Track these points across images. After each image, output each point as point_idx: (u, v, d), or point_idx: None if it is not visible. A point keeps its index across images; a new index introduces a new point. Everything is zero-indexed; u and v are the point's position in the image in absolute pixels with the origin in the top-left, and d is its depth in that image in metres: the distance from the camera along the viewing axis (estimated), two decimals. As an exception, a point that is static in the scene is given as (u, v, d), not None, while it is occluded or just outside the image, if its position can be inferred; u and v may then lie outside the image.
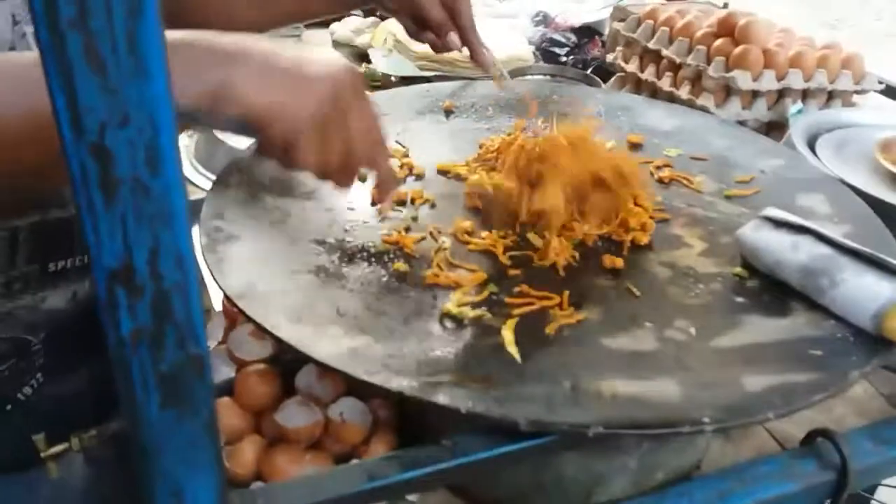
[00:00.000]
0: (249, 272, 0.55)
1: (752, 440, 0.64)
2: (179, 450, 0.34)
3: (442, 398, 0.43)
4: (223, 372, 0.63)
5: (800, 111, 0.89)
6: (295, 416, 0.57)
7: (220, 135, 0.93)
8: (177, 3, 0.65)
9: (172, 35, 0.44)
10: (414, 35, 0.78)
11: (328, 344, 0.48)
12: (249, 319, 0.50)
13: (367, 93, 0.51)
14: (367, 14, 1.45)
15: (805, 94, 0.94)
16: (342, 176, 0.53)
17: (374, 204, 0.68)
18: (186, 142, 0.99)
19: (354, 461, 0.54)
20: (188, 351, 0.32)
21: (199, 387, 0.33)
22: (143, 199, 0.28)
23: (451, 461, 0.42)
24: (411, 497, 0.56)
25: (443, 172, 0.74)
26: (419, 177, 0.74)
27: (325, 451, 0.58)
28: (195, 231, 0.61)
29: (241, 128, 0.47)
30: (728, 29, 0.92)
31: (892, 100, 1.00)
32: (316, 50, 0.49)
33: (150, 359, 0.31)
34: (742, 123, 0.93)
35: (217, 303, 0.73)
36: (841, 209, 0.67)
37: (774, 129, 0.94)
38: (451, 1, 0.74)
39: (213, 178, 0.86)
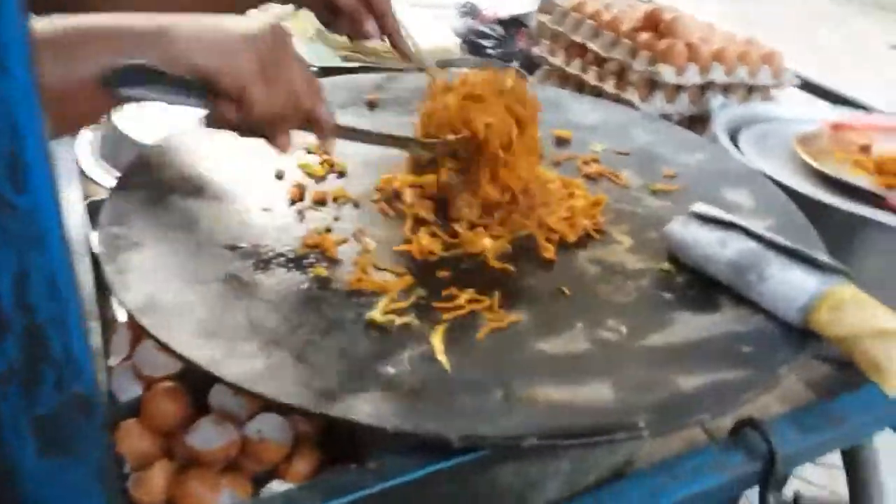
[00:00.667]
0: (152, 283, 0.50)
1: (682, 432, 0.64)
2: (67, 503, 0.30)
3: (367, 418, 0.40)
4: (130, 390, 0.59)
5: (722, 105, 0.90)
6: (208, 437, 0.53)
7: (126, 129, 0.87)
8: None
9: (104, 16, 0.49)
10: (329, 25, 0.74)
11: (240, 362, 0.44)
12: (152, 337, 0.46)
13: (294, 45, 0.55)
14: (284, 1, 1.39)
15: (726, 89, 0.95)
16: (288, 125, 0.56)
17: (292, 203, 0.64)
18: (90, 136, 0.92)
19: (273, 488, 0.50)
20: (70, 391, 0.28)
21: (87, 429, 0.29)
22: (7, 218, 0.24)
23: (378, 485, 0.39)
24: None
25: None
26: (341, 174, 0.70)
27: (242, 472, 0.54)
28: (93, 237, 0.56)
29: (189, 89, 0.50)
30: (653, 23, 0.92)
31: (809, 94, 1.02)
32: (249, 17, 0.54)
33: (23, 403, 0.27)
34: (666, 117, 0.93)
35: (123, 313, 0.68)
36: (764, 203, 0.67)
37: (697, 122, 0.95)
38: None
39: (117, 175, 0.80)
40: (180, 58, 0.49)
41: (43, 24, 0.47)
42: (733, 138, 0.81)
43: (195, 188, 0.63)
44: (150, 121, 0.87)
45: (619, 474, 0.57)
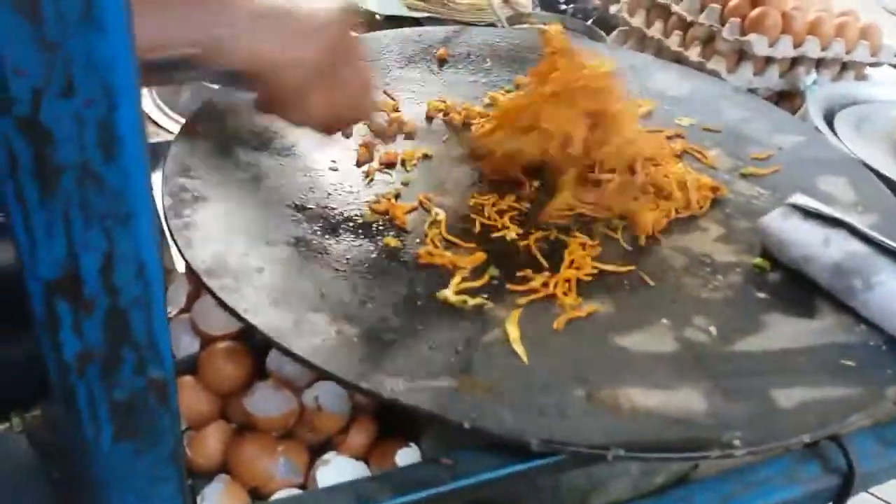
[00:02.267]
0: (219, 242, 0.48)
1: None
2: (137, 487, 0.28)
3: (443, 410, 0.38)
4: (186, 345, 0.57)
5: (815, 82, 0.84)
6: (266, 403, 0.51)
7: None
8: None
9: None
10: None
11: (309, 336, 0.42)
12: (218, 300, 0.43)
13: (360, 42, 0.52)
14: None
15: (818, 64, 0.89)
16: (339, 126, 0.54)
17: (359, 164, 0.61)
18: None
19: (328, 459, 0.48)
20: (149, 375, 0.25)
21: (163, 415, 0.27)
22: (95, 192, 0.21)
23: (451, 483, 0.37)
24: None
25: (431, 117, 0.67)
26: (409, 135, 0.67)
27: (298, 440, 0.52)
28: (156, 185, 0.54)
29: (238, 80, 0.46)
30: (745, -13, 0.85)
31: (908, 74, 0.95)
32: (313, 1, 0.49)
33: (102, 387, 0.25)
34: (752, 91, 0.87)
35: (181, 263, 0.66)
36: (866, 197, 0.62)
37: (785, 99, 0.88)
38: None
39: (179, 119, 0.77)
40: (235, 48, 0.44)
41: None
42: (828, 120, 0.76)
43: (262, 141, 0.60)
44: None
45: (685, 478, 0.54)
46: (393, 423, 0.53)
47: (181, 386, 0.54)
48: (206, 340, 0.55)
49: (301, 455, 0.52)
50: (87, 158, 0.21)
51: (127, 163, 0.22)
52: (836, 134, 0.72)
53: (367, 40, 0.81)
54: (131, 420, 0.26)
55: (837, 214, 0.51)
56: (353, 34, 0.50)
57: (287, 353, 0.41)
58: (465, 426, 0.37)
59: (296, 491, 0.45)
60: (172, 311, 0.60)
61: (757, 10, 0.83)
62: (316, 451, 0.52)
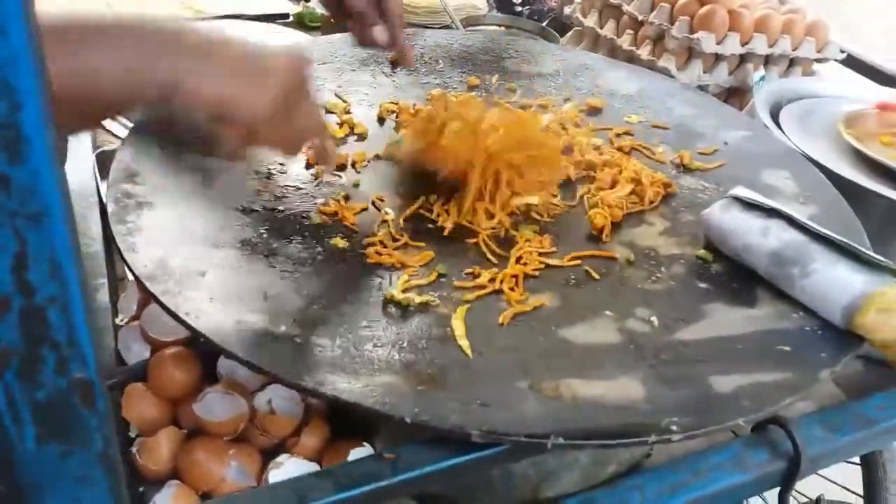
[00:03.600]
0: (163, 247, 0.48)
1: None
2: (66, 490, 0.28)
3: (383, 406, 0.38)
4: (136, 352, 0.57)
5: (762, 79, 0.86)
6: (216, 408, 0.51)
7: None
8: None
9: (117, 17, 0.47)
10: (336, 19, 0.69)
11: (248, 336, 0.42)
12: (161, 306, 0.43)
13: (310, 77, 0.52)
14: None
15: (767, 61, 0.91)
16: (294, 151, 0.55)
17: (309, 166, 0.61)
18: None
19: (281, 462, 0.48)
20: (72, 376, 0.25)
21: (89, 416, 0.27)
22: (2, 192, 0.21)
23: (393, 477, 0.37)
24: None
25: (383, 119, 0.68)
26: (361, 136, 0.67)
27: (250, 444, 0.52)
28: (104, 189, 0.53)
29: (197, 118, 0.47)
30: (693, -14, 0.87)
31: (853, 70, 0.97)
32: (270, 39, 0.49)
33: (22, 387, 0.25)
34: (702, 88, 0.89)
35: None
36: (807, 188, 0.63)
37: (734, 95, 0.90)
38: None
39: (129, 125, 0.77)
40: (196, 90, 0.44)
41: (60, 17, 0.43)
42: (773, 115, 0.77)
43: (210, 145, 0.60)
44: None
45: (637, 467, 0.55)
46: (346, 423, 0.53)
47: (131, 393, 0.53)
48: (156, 347, 0.55)
49: (253, 458, 0.52)
50: (-10, 159, 0.21)
51: (35, 162, 0.22)
52: (781, 128, 0.73)
53: (321, 44, 0.82)
54: (55, 421, 0.26)
55: (775, 205, 0.53)
56: (309, 70, 0.50)
57: (228, 355, 0.41)
58: (406, 421, 0.38)
59: (244, 492, 0.45)
60: (124, 318, 0.60)
61: (705, 8, 0.85)
62: (269, 455, 0.52)
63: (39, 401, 0.25)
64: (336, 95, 0.71)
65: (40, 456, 0.27)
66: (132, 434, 0.53)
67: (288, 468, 0.49)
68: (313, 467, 0.49)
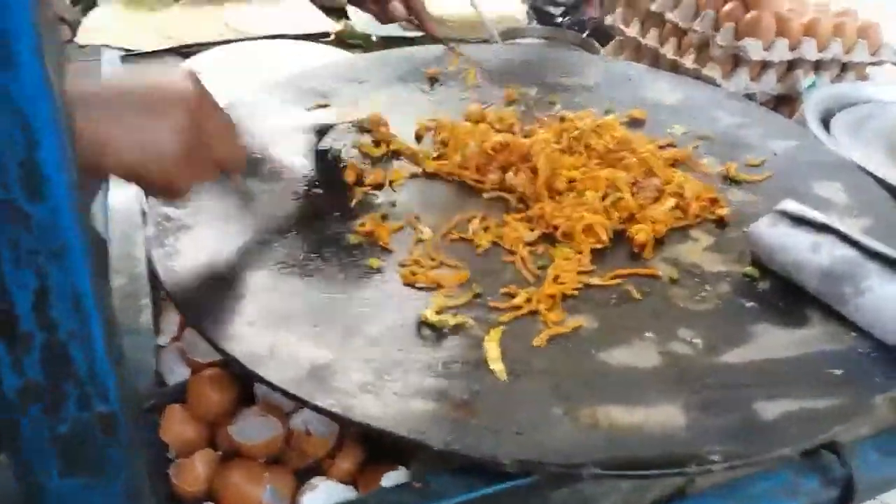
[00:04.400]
0: (200, 270, 0.48)
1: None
2: (90, 522, 0.28)
3: (414, 433, 0.38)
4: (178, 373, 0.57)
5: (813, 84, 0.83)
6: (252, 430, 0.51)
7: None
8: None
9: None
10: (354, 4, 0.68)
11: (283, 362, 0.42)
12: (195, 328, 0.44)
13: (207, 91, 0.48)
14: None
15: (817, 66, 0.87)
16: (213, 178, 0.50)
17: (347, 187, 0.61)
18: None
19: (315, 484, 0.48)
20: (94, 410, 0.26)
21: (112, 450, 0.27)
22: (21, 229, 0.22)
23: (426, 505, 0.37)
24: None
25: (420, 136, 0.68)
26: (397, 153, 0.67)
27: (286, 466, 0.52)
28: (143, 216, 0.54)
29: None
30: (738, -9, 0.85)
31: (911, 73, 0.93)
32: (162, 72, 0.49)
33: (45, 421, 0.25)
34: (750, 97, 0.86)
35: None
36: (860, 200, 0.61)
37: (784, 103, 0.87)
38: None
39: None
40: (97, 160, 0.42)
41: None
42: (825, 123, 0.74)
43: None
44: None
45: (682, 491, 0.53)
46: (382, 446, 0.53)
47: (169, 415, 0.54)
48: (195, 368, 0.56)
49: (288, 481, 0.51)
50: (11, 196, 0.21)
51: (55, 199, 0.22)
52: (832, 136, 0.70)
53: (359, 62, 0.82)
54: (78, 455, 0.26)
55: (826, 220, 0.50)
56: (203, 91, 0.47)
57: (259, 379, 0.41)
58: (435, 449, 0.37)
59: (280, 517, 0.45)
60: (165, 339, 0.61)
61: (751, 14, 0.83)
62: (304, 477, 0.51)
63: (62, 435, 0.26)
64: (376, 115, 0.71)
65: (65, 490, 0.27)
66: (170, 456, 0.53)
67: (322, 491, 0.48)
68: (348, 490, 0.48)
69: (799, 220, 0.51)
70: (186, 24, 1.14)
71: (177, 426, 0.53)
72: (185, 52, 0.99)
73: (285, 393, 0.39)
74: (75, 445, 0.26)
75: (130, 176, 0.44)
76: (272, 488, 0.50)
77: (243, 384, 0.54)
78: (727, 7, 0.85)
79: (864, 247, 0.48)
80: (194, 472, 0.50)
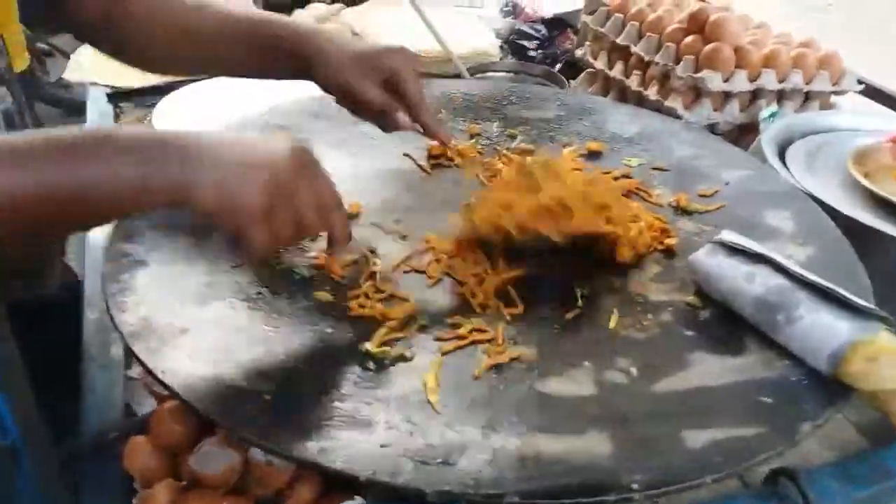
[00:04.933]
0: (149, 305, 0.50)
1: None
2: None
3: (340, 463, 0.39)
4: (146, 405, 0.59)
5: (773, 114, 0.84)
6: (211, 460, 0.52)
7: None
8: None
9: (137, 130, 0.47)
10: (358, 115, 0.69)
11: (223, 395, 0.43)
12: (140, 362, 0.45)
13: (318, 163, 0.51)
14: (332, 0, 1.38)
15: (780, 96, 0.89)
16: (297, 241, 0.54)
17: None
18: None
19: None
20: (-2, 444, 0.27)
21: (13, 478, 0.28)
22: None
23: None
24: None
25: None
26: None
27: (245, 496, 0.53)
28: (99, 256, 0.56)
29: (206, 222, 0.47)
30: (699, 24, 0.87)
31: (873, 101, 0.94)
32: (270, 135, 0.50)
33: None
34: (713, 126, 0.88)
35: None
36: (807, 228, 0.62)
37: (748, 132, 0.89)
38: (394, 76, 0.64)
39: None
40: (189, 198, 0.45)
41: (76, 132, 0.45)
42: (784, 152, 0.76)
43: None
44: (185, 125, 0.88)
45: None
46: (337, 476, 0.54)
47: (133, 445, 0.55)
48: (159, 400, 0.57)
49: (246, 510, 0.52)
50: None
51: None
52: (787, 166, 0.72)
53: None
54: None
55: (761, 250, 0.51)
56: (307, 156, 0.49)
57: (195, 412, 0.42)
58: (360, 479, 0.38)
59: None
60: (136, 370, 0.62)
61: (710, 47, 0.85)
62: (265, 506, 0.52)
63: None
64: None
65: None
66: (135, 486, 0.54)
67: None
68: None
69: (735, 251, 0.52)
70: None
71: (140, 457, 0.54)
72: (167, 88, 1.01)
73: (222, 425, 0.40)
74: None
75: (209, 218, 0.46)
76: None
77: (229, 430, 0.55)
78: (687, 40, 0.87)
79: (797, 276, 0.49)
80: (157, 502, 0.51)
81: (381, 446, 0.41)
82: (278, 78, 0.69)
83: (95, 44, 0.71)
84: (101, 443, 0.55)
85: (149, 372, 0.44)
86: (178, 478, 0.54)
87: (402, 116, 0.64)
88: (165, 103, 0.94)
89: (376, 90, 0.64)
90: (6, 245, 0.44)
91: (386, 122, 0.65)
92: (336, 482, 0.52)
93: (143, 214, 0.53)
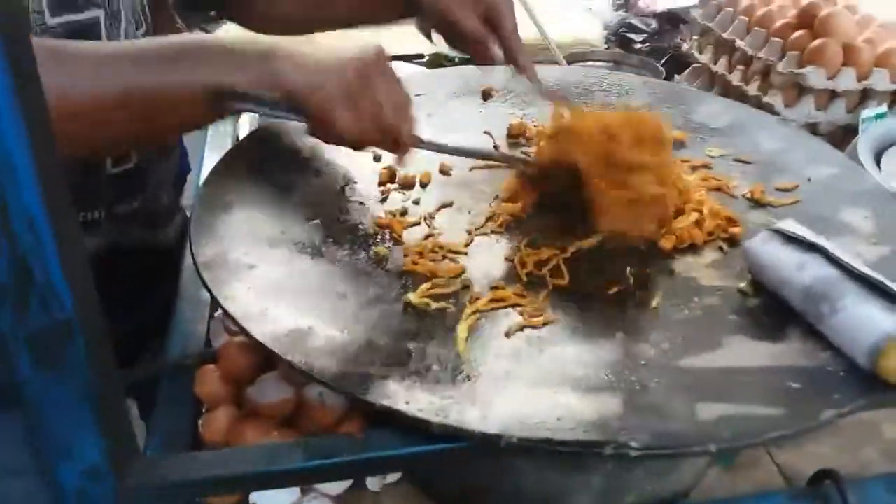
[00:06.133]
0: (227, 242, 0.55)
1: (756, 472, 0.59)
2: (62, 408, 0.34)
3: (364, 392, 0.42)
4: (222, 339, 0.65)
5: (879, 115, 0.79)
6: (267, 392, 0.57)
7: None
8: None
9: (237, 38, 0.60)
10: (454, 46, 0.74)
11: (272, 322, 0.48)
12: (207, 289, 0.50)
13: (392, 67, 0.58)
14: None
15: (894, 99, 0.84)
16: (373, 143, 0.59)
17: (381, 184, 0.67)
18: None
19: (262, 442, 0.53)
20: (54, 315, 0.32)
21: (71, 352, 0.33)
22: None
23: (359, 454, 0.41)
24: (373, 488, 0.56)
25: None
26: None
27: (296, 429, 0.58)
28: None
29: (286, 106, 0.56)
30: (809, 20, 0.83)
31: None
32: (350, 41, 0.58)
33: (16, 319, 0.32)
34: (814, 126, 0.84)
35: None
36: (885, 229, 0.59)
37: (851, 134, 0.84)
38: (491, 10, 0.69)
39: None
40: (274, 80, 0.54)
41: (161, 41, 0.56)
42: (881, 155, 0.72)
43: (298, 162, 0.68)
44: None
45: (670, 504, 0.54)
46: (378, 418, 0.57)
47: (203, 373, 0.61)
48: (230, 334, 0.63)
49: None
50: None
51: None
52: (880, 168, 0.68)
53: (421, 78, 0.88)
54: (44, 352, 0.33)
55: (815, 239, 0.50)
56: (383, 62, 0.56)
57: (246, 334, 0.47)
58: (374, 406, 0.41)
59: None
60: (219, 313, 0.69)
61: (816, 43, 0.81)
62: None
63: (31, 334, 0.32)
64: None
65: (36, 379, 0.34)
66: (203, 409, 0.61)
67: None
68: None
69: (790, 239, 0.51)
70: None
71: (208, 383, 0.60)
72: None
73: (257, 343, 0.45)
74: (42, 344, 0.33)
75: (294, 99, 0.54)
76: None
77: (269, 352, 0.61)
78: (794, 35, 0.84)
79: (847, 267, 0.47)
80: (216, 423, 0.57)
81: (405, 381, 0.44)
82: (388, 20, 0.75)
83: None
84: (179, 367, 0.62)
85: (213, 296, 0.50)
86: (240, 406, 0.60)
87: (496, 49, 0.68)
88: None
89: (475, 20, 0.68)
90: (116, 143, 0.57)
91: (479, 54, 0.69)
92: (381, 423, 0.56)
93: (229, 109, 0.58)
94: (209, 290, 0.51)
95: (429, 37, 0.76)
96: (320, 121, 0.56)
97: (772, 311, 0.51)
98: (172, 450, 0.54)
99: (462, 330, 0.49)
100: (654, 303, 0.53)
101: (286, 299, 0.51)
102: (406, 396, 0.42)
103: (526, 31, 0.93)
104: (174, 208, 0.86)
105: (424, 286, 0.53)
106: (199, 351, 0.65)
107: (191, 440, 0.56)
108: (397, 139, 0.59)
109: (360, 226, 0.61)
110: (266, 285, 0.52)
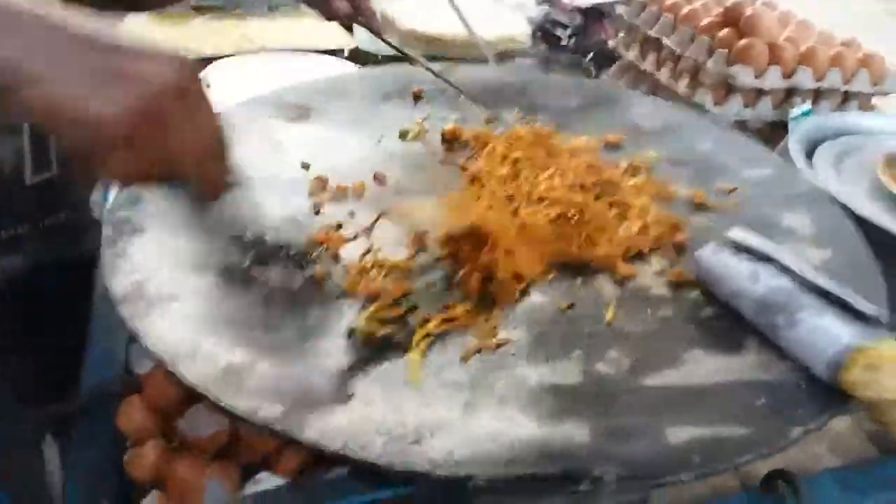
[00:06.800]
0: (143, 271, 0.50)
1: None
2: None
3: (315, 438, 0.38)
4: (145, 366, 0.59)
5: (805, 113, 0.81)
6: (199, 424, 0.53)
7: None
8: None
9: None
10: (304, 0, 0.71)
11: (201, 361, 0.43)
12: (128, 326, 0.45)
13: (204, 91, 0.41)
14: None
15: (817, 96, 0.86)
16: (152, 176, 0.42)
17: (311, 195, 0.63)
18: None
19: (260, 479, 0.49)
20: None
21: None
22: None
23: (309, 506, 0.37)
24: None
25: None
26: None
27: (232, 460, 0.53)
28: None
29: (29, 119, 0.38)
30: (734, 19, 0.84)
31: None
32: (146, 38, 0.40)
33: None
34: (742, 123, 0.85)
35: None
36: (826, 232, 0.59)
37: (780, 130, 0.86)
38: None
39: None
40: (23, 79, 0.34)
41: None
42: (812, 152, 0.73)
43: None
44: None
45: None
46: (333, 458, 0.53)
47: (128, 404, 0.56)
48: (157, 363, 0.58)
49: (232, 476, 0.52)
50: None
51: None
52: (813, 167, 0.69)
53: (352, 78, 0.84)
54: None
55: (767, 249, 0.49)
56: (192, 78, 0.40)
57: (175, 376, 0.42)
58: (325, 452, 0.37)
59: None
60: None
61: (743, 42, 0.82)
62: (248, 472, 0.52)
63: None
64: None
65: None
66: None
67: (266, 486, 0.49)
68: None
69: (741, 249, 0.50)
70: (206, 36, 1.18)
71: (132, 415, 0.55)
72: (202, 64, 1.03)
73: (191, 386, 0.41)
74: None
75: (37, 120, 0.36)
76: (215, 481, 0.51)
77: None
78: (721, 34, 0.84)
79: (801, 278, 0.47)
80: (144, 460, 0.52)
81: (356, 421, 0.40)
82: None
83: None
84: (97, 400, 0.56)
85: (133, 334, 0.45)
86: (170, 440, 0.54)
87: (343, 2, 0.65)
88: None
89: None
90: None
91: (326, 8, 0.66)
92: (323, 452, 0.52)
93: None
94: (129, 328, 0.45)
95: (349, 29, 0.73)
96: (86, 157, 0.38)
97: (726, 321, 0.51)
98: (95, 495, 0.48)
99: (414, 357, 0.46)
100: (609, 316, 0.51)
101: (213, 334, 0.46)
102: (356, 436, 0.39)
103: (453, 29, 0.90)
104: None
105: (369, 310, 0.50)
106: (120, 378, 0.59)
107: (117, 480, 0.51)
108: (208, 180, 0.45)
109: (291, 243, 0.57)
110: (189, 319, 0.47)
